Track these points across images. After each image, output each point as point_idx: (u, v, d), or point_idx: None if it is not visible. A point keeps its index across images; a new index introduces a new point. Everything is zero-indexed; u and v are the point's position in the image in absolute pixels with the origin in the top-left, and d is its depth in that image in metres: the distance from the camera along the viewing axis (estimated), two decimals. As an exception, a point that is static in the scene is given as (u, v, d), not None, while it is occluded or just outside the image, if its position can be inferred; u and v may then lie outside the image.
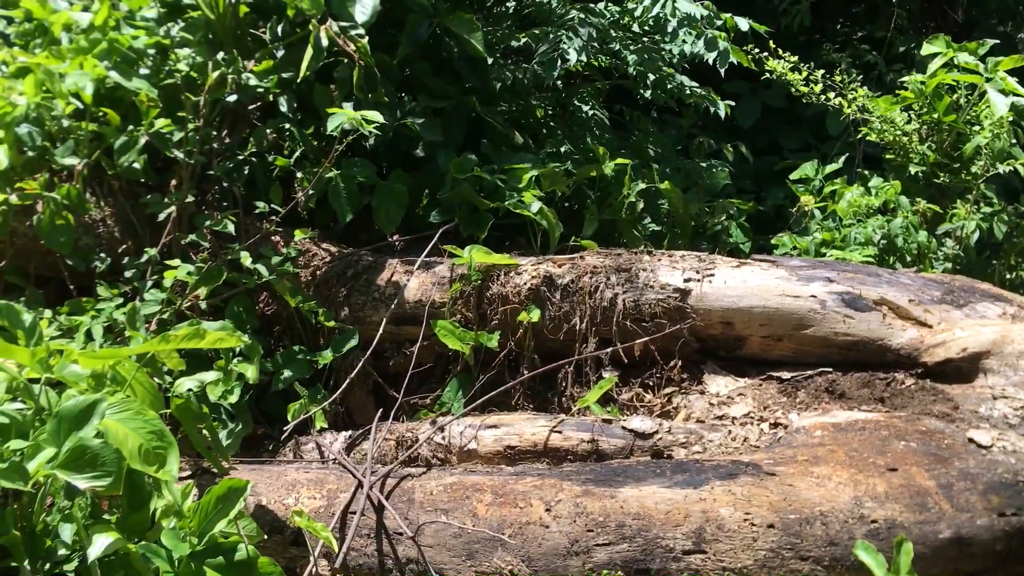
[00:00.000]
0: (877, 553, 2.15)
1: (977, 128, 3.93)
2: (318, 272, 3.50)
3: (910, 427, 2.53)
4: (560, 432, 2.79)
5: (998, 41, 4.13)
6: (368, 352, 3.24)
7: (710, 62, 4.04)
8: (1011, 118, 3.84)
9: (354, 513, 2.35)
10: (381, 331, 3.28)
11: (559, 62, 3.91)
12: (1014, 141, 3.90)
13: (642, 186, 3.73)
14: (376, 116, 3.15)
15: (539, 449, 2.79)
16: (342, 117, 3.15)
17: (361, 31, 3.54)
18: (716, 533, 2.26)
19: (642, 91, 4.46)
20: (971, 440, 2.47)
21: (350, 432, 3.04)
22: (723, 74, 4.21)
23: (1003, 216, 3.84)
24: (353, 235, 3.83)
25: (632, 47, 4.07)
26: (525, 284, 3.23)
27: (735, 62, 4.10)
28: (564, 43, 3.92)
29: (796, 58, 4.48)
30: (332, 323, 3.34)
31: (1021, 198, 4.20)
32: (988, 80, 3.89)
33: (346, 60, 3.56)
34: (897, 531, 2.24)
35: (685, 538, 2.25)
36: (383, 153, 3.99)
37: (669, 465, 2.48)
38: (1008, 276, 3.93)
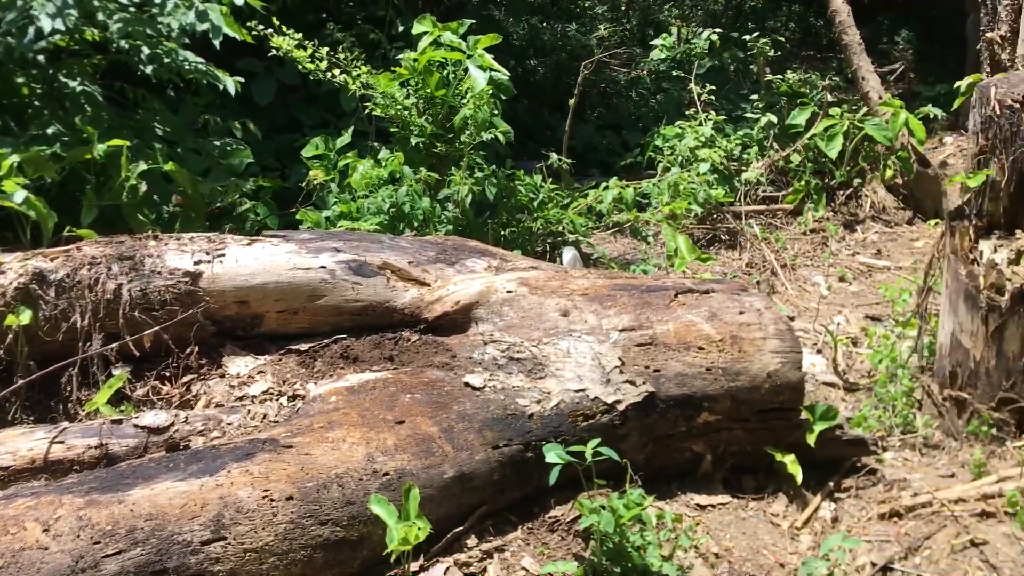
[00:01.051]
0: (389, 504, 2.29)
1: (464, 101, 4.32)
2: None
3: (415, 380, 2.72)
4: (62, 442, 2.53)
5: (475, 21, 4.57)
6: None
7: (209, 35, 3.90)
8: (491, 91, 4.29)
9: None
10: None
11: (31, 31, 3.49)
12: (496, 112, 4.36)
13: (143, 167, 3.51)
14: None
15: (39, 465, 2.50)
16: None
17: None
18: (236, 516, 2.21)
19: (141, 67, 4.17)
20: (467, 384, 2.72)
21: None
22: (235, 50, 4.10)
23: (492, 179, 4.29)
24: None
25: (117, 17, 3.76)
26: (11, 283, 2.87)
27: (236, 37, 4.01)
28: (35, 10, 3.50)
29: (301, 35, 4.52)
30: None
31: (506, 163, 4.72)
32: (469, 57, 4.29)
33: None
34: (407, 479, 2.38)
35: (203, 528, 2.17)
36: None
37: (184, 457, 2.37)
38: (503, 233, 4.41)
